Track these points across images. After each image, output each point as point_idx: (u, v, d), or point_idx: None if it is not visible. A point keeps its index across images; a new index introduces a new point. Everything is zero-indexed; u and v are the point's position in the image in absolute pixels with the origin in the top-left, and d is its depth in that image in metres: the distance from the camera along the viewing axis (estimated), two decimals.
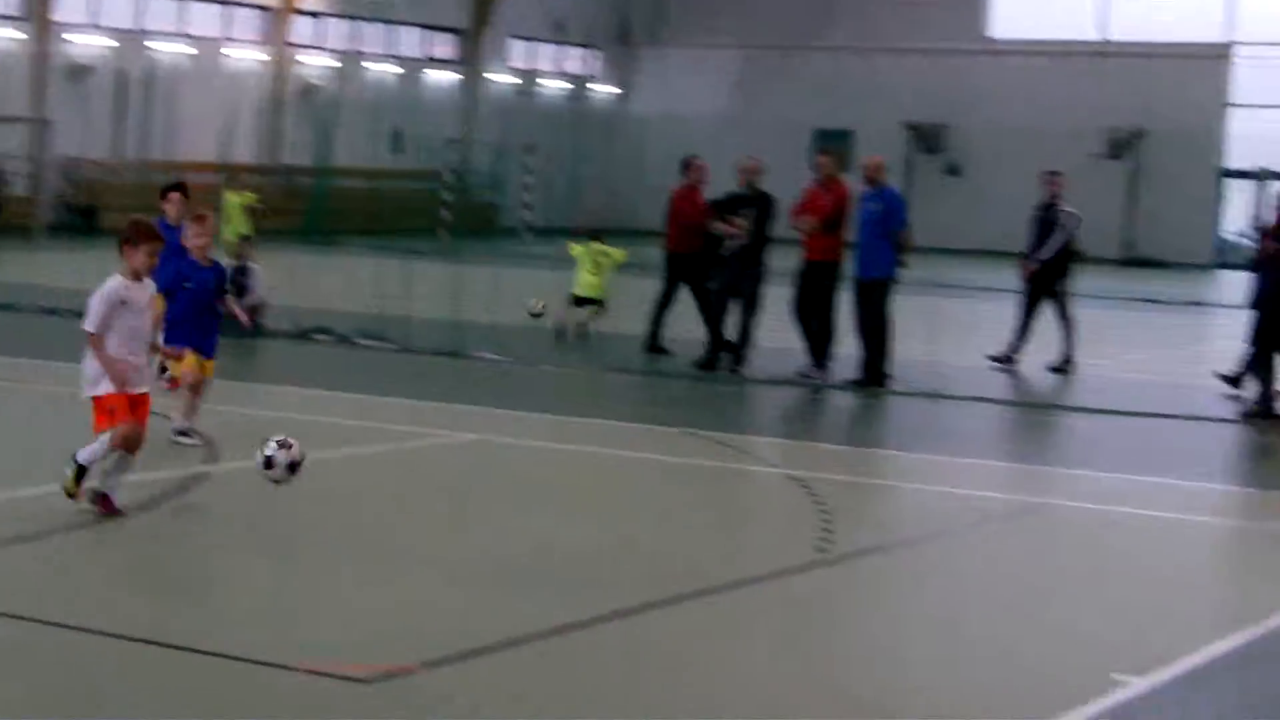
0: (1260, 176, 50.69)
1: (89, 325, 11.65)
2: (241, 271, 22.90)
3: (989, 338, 24.42)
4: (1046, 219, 24.00)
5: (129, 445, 11.64)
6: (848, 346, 21.50)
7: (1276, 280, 19.78)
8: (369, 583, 10.72)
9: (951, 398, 20.67)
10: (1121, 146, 55.48)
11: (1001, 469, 16.96)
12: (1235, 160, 53.77)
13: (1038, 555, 13.06)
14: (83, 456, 11.63)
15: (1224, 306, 35.73)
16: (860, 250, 21.66)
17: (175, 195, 16.75)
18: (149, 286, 12.02)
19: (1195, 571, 12.95)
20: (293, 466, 11.78)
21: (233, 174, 37.44)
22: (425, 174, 53.51)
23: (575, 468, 15.62)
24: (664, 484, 15.23)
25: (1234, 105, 55.52)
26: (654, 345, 23.43)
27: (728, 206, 21.92)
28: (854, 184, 22.20)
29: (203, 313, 14.85)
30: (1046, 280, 23.77)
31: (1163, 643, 10.21)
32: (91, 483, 11.63)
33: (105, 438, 11.63)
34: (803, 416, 20.33)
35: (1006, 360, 23.49)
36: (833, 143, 36.38)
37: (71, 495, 11.65)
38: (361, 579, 10.78)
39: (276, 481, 11.88)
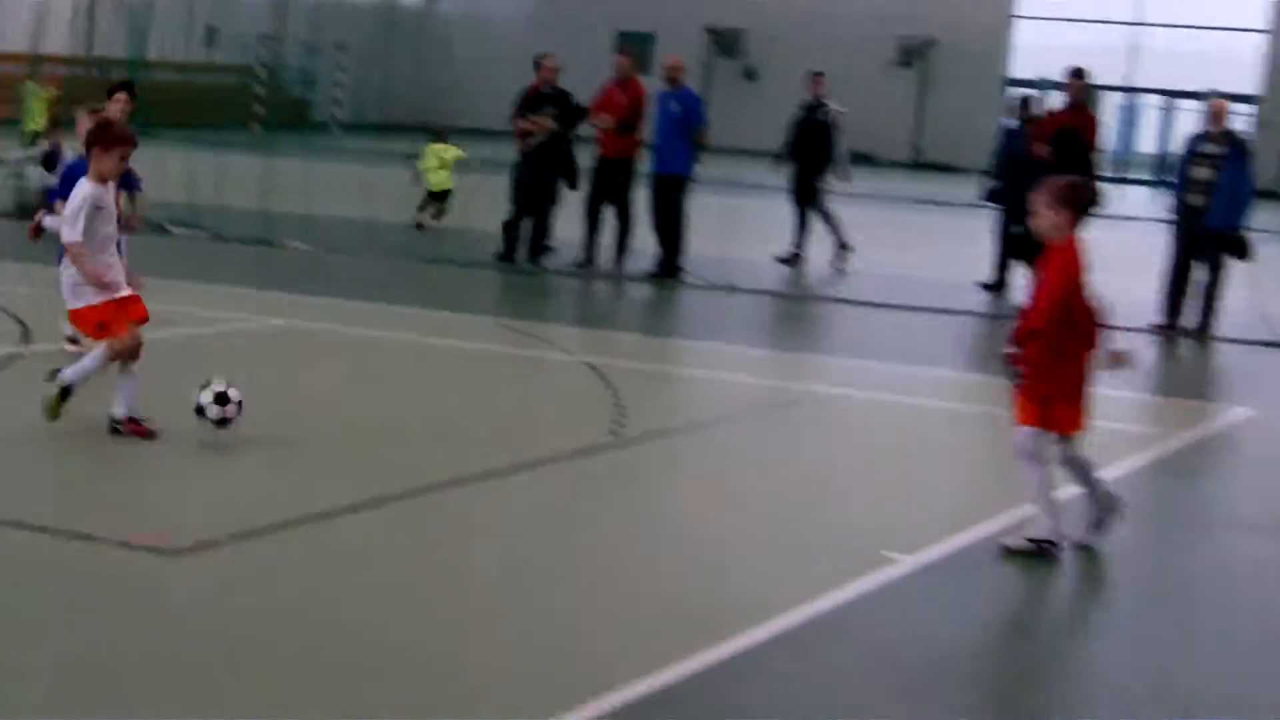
0: (1041, 86, 51.42)
1: (71, 235, 10.99)
2: (52, 155, 22.56)
3: (779, 236, 24.78)
4: (811, 119, 24.33)
5: (131, 355, 11.22)
6: (644, 241, 21.81)
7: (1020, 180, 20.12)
8: (174, 461, 10.89)
9: (740, 291, 21.07)
10: (912, 55, 56.06)
11: (783, 359, 17.31)
12: (1019, 70, 54.58)
13: (814, 439, 13.41)
14: (69, 375, 11.14)
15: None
16: (659, 148, 21.96)
17: (123, 96, 14.84)
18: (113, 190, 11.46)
19: (962, 455, 13.34)
20: (222, 422, 11.07)
21: (36, 66, 36.67)
22: (238, 69, 53.00)
23: (382, 352, 15.76)
24: (466, 369, 15.45)
25: (1018, 17, 56.34)
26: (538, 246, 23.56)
27: (529, 105, 22.04)
28: (655, 85, 22.44)
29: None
30: (807, 178, 24.16)
31: (933, 523, 10.55)
32: (114, 412, 11.19)
33: (99, 353, 11.20)
34: (600, 307, 20.61)
35: (793, 259, 23.94)
36: (634, 44, 36.42)
37: (56, 418, 11.15)
38: (166, 458, 10.92)
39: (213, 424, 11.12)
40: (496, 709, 7.15)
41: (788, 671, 7.87)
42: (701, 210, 23.16)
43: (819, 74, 25.16)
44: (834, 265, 23.71)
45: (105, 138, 11.28)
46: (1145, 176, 53.27)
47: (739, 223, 31.08)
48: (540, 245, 21.94)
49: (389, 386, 14.21)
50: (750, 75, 57.94)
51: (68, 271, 11.22)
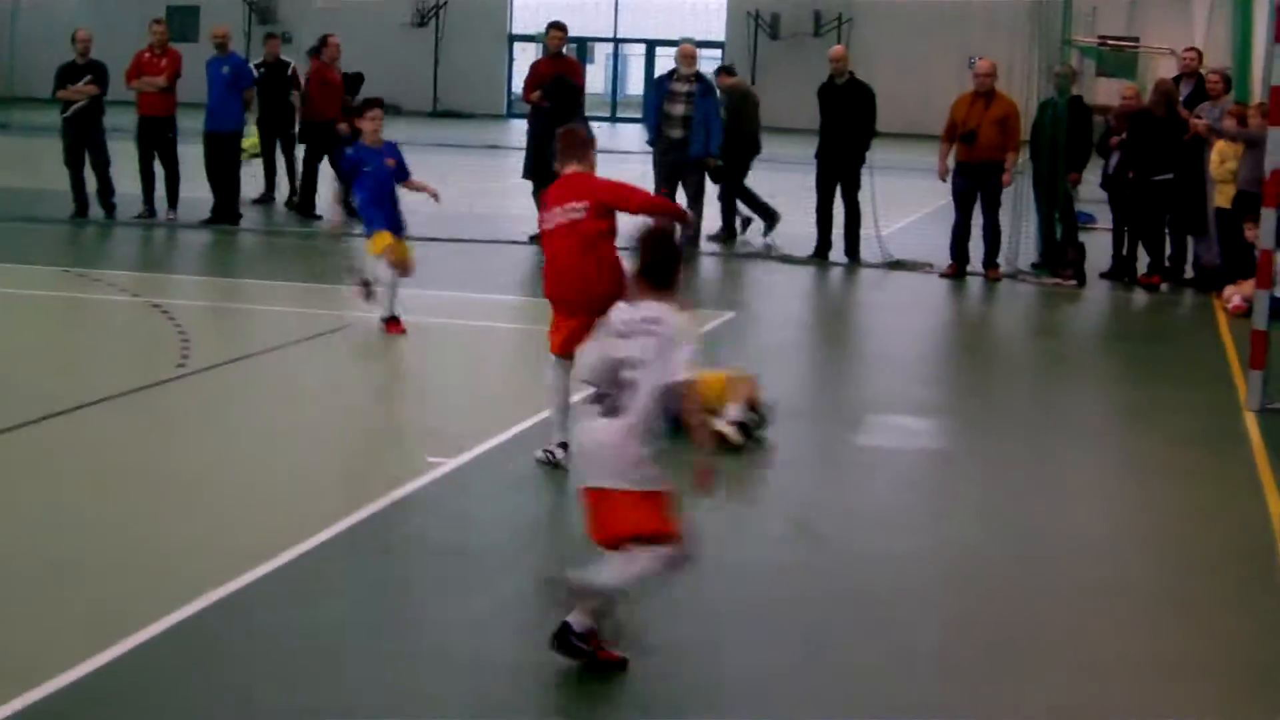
0: (541, 39, 51.93)
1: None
2: None
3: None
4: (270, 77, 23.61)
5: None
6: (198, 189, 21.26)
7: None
8: None
9: (289, 233, 20.79)
10: (428, 16, 55.78)
11: (328, 291, 16.95)
12: (521, 26, 54.74)
13: (367, 362, 13.34)
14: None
15: (515, 149, 36.49)
16: (211, 108, 21.44)
17: (377, 111, 14.32)
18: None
19: (499, 369, 13.37)
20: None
21: None
22: None
23: None
24: (41, 316, 14.89)
25: None
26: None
27: (68, 75, 21.09)
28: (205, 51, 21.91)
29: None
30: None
31: (470, 429, 10.59)
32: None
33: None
34: (163, 252, 19.97)
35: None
36: (182, 17, 35.29)
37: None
38: None
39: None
40: None
41: (373, 546, 8.19)
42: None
43: (272, 35, 24.88)
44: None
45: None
46: (634, 115, 54.08)
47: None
48: (108, 201, 21.11)
49: None
50: (287, 39, 56.72)
51: None
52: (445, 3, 55.02)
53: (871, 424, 11.45)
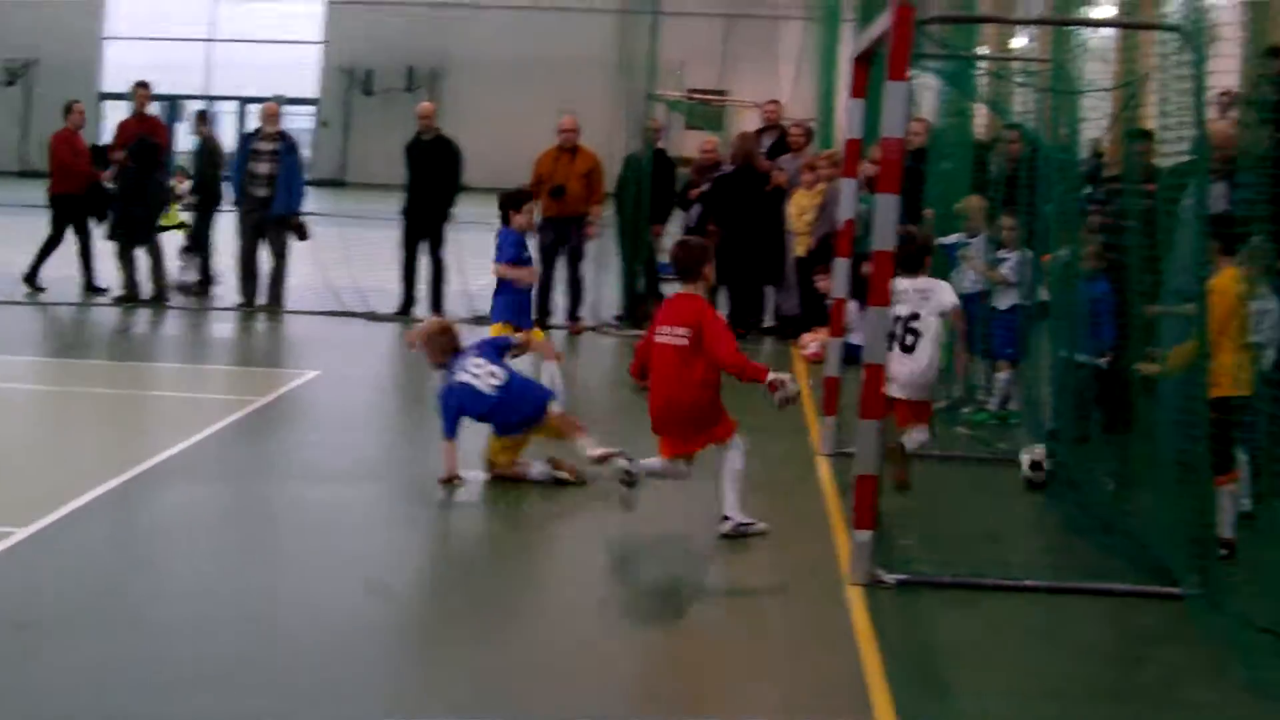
0: (130, 96, 50.79)
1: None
2: None
3: None
4: None
5: None
6: None
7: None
8: None
9: None
10: (17, 74, 53.89)
11: None
12: (112, 84, 53.19)
13: None
14: None
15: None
16: None
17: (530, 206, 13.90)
18: None
19: (58, 432, 12.73)
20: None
21: None
22: None
23: None
24: None
25: (108, 38, 54.98)
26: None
27: None
28: None
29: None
30: None
31: (41, 493, 10.06)
32: None
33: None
34: None
35: None
36: None
37: None
38: None
39: None
40: None
41: None
42: None
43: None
44: None
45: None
46: (226, 173, 53.03)
47: None
48: None
49: None
50: None
51: None
52: (36, 61, 53.30)
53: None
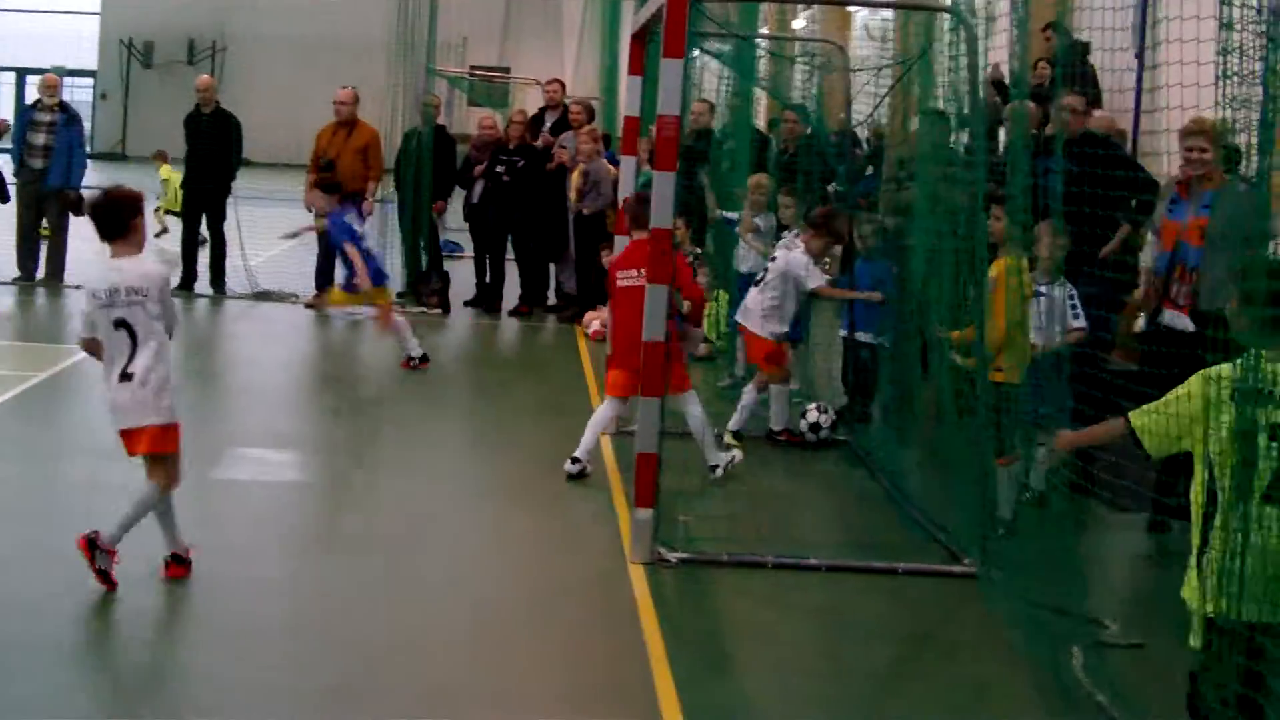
0: (20, 71, 50.34)
1: None
2: None
3: None
4: None
5: None
6: None
7: None
8: None
9: None
10: None
11: None
12: None
13: None
14: None
15: None
16: None
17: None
18: None
19: None
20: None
21: None
22: None
23: None
24: None
25: None
26: None
27: None
28: None
29: None
30: None
31: None
32: None
33: None
34: None
35: None
36: None
37: None
38: None
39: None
40: None
41: None
42: None
43: None
44: None
45: None
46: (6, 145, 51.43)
47: None
48: None
49: None
50: None
51: None
52: None
53: (231, 457, 10.94)
